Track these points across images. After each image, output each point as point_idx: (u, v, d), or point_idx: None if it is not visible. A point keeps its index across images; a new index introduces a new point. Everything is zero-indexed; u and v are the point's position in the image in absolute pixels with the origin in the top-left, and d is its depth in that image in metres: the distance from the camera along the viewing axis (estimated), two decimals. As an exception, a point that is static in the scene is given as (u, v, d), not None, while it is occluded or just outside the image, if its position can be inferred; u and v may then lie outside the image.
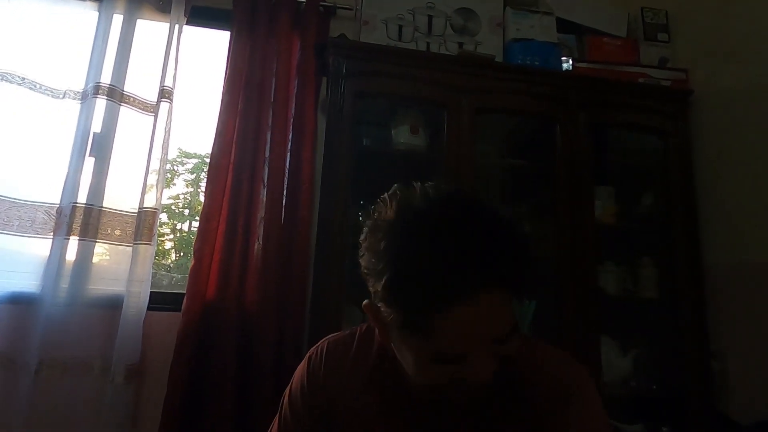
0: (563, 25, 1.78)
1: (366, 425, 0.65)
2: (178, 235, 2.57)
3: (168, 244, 2.52)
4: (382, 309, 0.50)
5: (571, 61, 1.67)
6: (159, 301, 1.53)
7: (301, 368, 0.72)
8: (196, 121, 2.01)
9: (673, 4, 1.85)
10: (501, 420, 0.62)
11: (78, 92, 1.55)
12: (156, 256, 1.54)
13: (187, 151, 2.51)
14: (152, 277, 1.49)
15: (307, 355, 0.73)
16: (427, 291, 0.43)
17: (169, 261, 2.45)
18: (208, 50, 1.90)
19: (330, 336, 0.73)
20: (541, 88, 1.55)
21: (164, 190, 1.56)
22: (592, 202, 1.52)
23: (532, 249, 0.52)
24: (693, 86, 1.67)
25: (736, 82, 1.55)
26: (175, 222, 2.58)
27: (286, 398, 0.71)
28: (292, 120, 1.62)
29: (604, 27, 1.82)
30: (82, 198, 1.46)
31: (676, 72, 1.71)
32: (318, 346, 0.72)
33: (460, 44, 1.71)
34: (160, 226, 1.70)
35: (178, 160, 2.52)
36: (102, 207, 1.49)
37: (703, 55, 1.70)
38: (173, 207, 2.56)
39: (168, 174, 2.34)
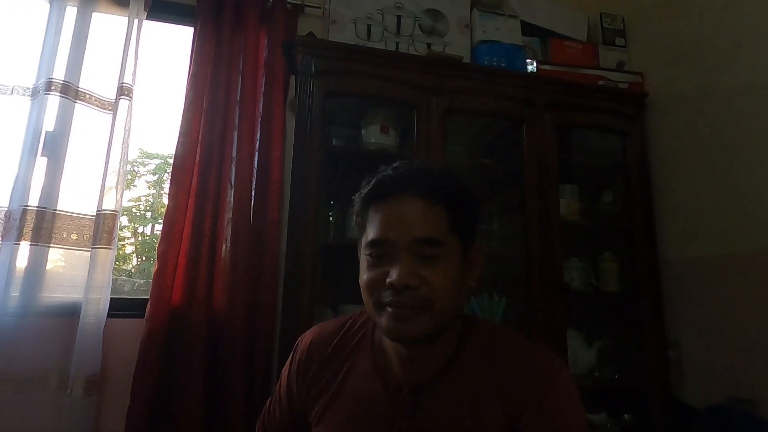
0: (528, 28, 1.83)
1: (347, 405, 0.70)
2: (139, 238, 2.46)
3: (129, 249, 2.41)
4: (357, 225, 0.70)
5: (535, 63, 1.72)
6: (120, 307, 1.46)
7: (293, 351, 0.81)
8: (159, 120, 1.93)
9: (630, 11, 1.94)
10: (477, 409, 0.63)
11: (28, 88, 1.46)
12: (116, 261, 1.47)
13: (148, 151, 2.41)
14: (113, 283, 1.43)
15: (298, 339, 0.80)
16: (366, 194, 0.66)
17: (130, 266, 2.34)
18: (170, 46, 1.84)
19: (321, 323, 0.81)
20: (508, 89, 1.58)
21: (125, 191, 1.49)
22: (558, 200, 1.57)
23: (470, 190, 0.68)
24: (648, 89, 1.75)
25: (688, 85, 1.64)
26: (137, 225, 2.47)
27: (283, 376, 0.80)
28: (260, 119, 1.58)
29: (566, 31, 1.88)
30: (33, 200, 1.37)
31: (633, 75, 1.79)
32: (308, 331, 0.80)
33: (429, 45, 1.72)
34: (121, 229, 1.63)
35: (140, 160, 2.41)
36: (56, 210, 1.41)
37: (657, 60, 1.79)
38: (134, 210, 2.45)
39: (128, 175, 2.23)
